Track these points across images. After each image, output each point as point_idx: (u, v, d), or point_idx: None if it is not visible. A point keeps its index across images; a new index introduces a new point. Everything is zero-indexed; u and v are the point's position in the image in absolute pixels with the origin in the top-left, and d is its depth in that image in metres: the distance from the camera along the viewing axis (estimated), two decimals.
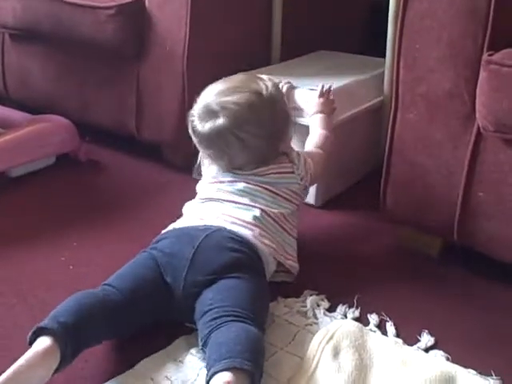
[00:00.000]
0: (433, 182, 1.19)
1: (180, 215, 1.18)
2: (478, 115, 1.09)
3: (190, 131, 1.18)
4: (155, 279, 1.03)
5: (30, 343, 0.89)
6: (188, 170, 1.55)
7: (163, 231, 1.14)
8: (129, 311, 0.98)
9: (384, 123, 1.45)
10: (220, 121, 1.13)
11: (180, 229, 1.12)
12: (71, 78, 1.74)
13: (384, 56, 1.55)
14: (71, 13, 1.61)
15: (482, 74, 1.06)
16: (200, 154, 1.24)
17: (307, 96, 1.39)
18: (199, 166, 1.26)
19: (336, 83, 1.47)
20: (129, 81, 1.62)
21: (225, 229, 1.08)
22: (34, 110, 1.77)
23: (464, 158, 1.14)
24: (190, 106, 1.52)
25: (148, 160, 1.68)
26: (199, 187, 1.23)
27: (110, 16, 1.55)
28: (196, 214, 1.15)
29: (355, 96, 1.51)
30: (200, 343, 0.95)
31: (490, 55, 1.05)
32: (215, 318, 0.94)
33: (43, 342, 0.88)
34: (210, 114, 1.14)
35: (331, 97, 1.38)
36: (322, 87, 1.37)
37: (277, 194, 1.16)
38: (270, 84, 1.18)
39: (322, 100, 1.37)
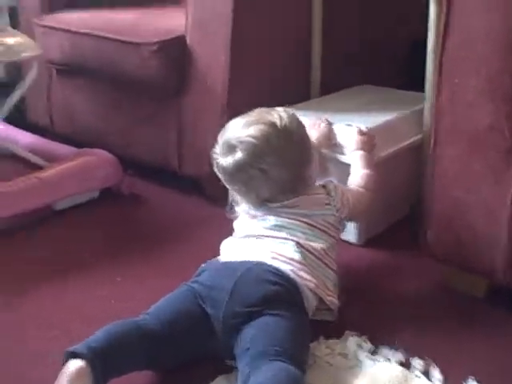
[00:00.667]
0: (475, 219, 1.17)
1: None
2: None
3: (215, 168, 1.20)
4: (194, 312, 1.04)
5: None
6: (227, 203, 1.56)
7: (203, 265, 1.15)
8: (165, 342, 1.00)
9: (424, 159, 1.43)
10: (239, 155, 1.14)
11: (220, 263, 1.14)
12: (115, 112, 1.78)
13: (424, 90, 1.54)
14: (115, 49, 1.65)
15: None
16: (230, 193, 1.25)
17: (345, 132, 1.39)
18: (232, 204, 1.27)
19: (377, 119, 1.47)
20: (170, 116, 1.65)
21: (265, 263, 1.09)
22: (78, 144, 1.80)
23: (507, 193, 1.12)
24: None
25: (189, 194, 1.69)
26: (236, 225, 1.23)
27: (153, 52, 1.58)
28: (235, 250, 1.16)
29: (396, 133, 1.50)
30: (240, 380, 0.94)
31: None
32: (255, 359, 0.94)
33: (75, 364, 0.91)
34: (229, 149, 1.16)
35: (370, 134, 1.38)
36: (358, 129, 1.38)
37: (314, 227, 1.16)
38: (284, 115, 1.19)
39: (361, 137, 1.37)
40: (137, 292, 1.25)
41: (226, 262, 1.13)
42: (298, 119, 1.21)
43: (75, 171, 1.63)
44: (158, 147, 1.70)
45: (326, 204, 1.19)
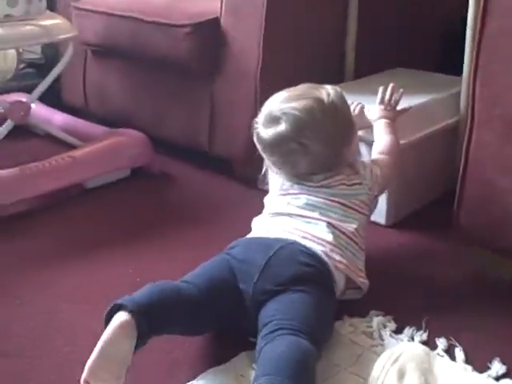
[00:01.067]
0: (507, 202, 1.15)
1: (250, 230, 1.19)
2: None
3: (255, 138, 1.19)
4: (229, 281, 1.05)
5: (107, 321, 0.92)
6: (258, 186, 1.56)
7: (235, 241, 1.15)
8: (204, 308, 1.00)
9: (459, 142, 1.41)
10: (281, 127, 1.14)
11: (253, 238, 1.14)
12: (147, 93, 1.80)
13: (461, 74, 1.51)
14: (149, 30, 1.66)
15: None
16: (265, 164, 1.24)
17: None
18: (264, 175, 1.26)
19: (411, 102, 1.45)
20: (202, 97, 1.65)
21: (298, 243, 1.09)
22: (111, 124, 1.82)
23: None
24: None
25: (220, 174, 1.70)
26: (267, 200, 1.23)
27: (187, 34, 1.59)
28: (265, 227, 1.15)
29: (432, 115, 1.49)
30: (256, 356, 0.95)
31: None
32: (272, 332, 0.94)
33: (120, 317, 0.91)
34: (272, 120, 1.15)
35: (393, 100, 1.37)
36: (383, 92, 1.37)
37: (346, 206, 1.15)
38: (332, 92, 1.17)
39: (383, 106, 1.36)
40: (163, 270, 1.26)
41: (259, 238, 1.13)
42: (344, 98, 1.20)
43: (107, 150, 1.65)
44: (189, 128, 1.71)
45: (358, 184, 1.18)
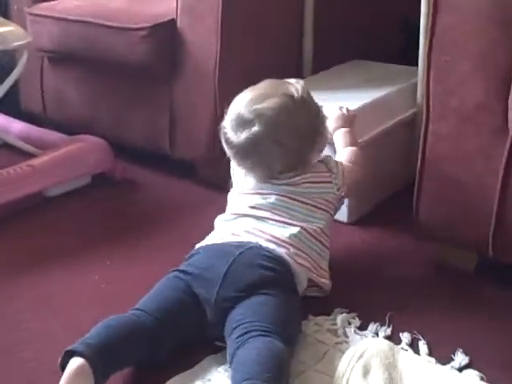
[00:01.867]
0: (466, 196, 1.17)
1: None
2: (510, 127, 1.07)
3: (224, 144, 1.16)
4: (185, 298, 1.03)
5: (62, 369, 0.90)
6: (222, 187, 1.55)
7: (196, 246, 1.14)
8: (159, 332, 0.99)
9: (417, 135, 1.42)
10: (256, 128, 1.11)
11: (214, 244, 1.13)
12: (106, 98, 1.78)
13: (417, 64, 1.53)
14: (105, 35, 1.64)
15: None
16: (232, 167, 1.23)
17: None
18: (231, 178, 1.25)
19: (370, 95, 1.46)
20: (162, 100, 1.64)
21: (260, 246, 1.08)
22: (70, 131, 1.80)
23: (498, 170, 1.12)
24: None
25: (183, 178, 1.69)
26: (230, 198, 1.22)
27: (143, 37, 1.57)
28: (229, 229, 1.15)
29: (389, 108, 1.50)
30: (228, 360, 0.95)
31: None
32: (242, 334, 0.94)
33: (74, 363, 0.89)
34: (244, 123, 1.12)
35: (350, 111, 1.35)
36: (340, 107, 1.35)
37: (313, 206, 1.15)
38: (299, 86, 1.17)
39: (339, 114, 1.34)
40: (127, 276, 1.25)
41: (220, 244, 1.12)
42: (308, 91, 1.19)
43: (66, 158, 1.63)
44: (150, 132, 1.69)
45: (329, 182, 1.18)
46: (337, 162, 1.21)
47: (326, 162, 1.20)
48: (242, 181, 1.20)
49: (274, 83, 1.19)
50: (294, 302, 1.06)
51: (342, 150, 1.30)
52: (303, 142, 1.15)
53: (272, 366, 0.87)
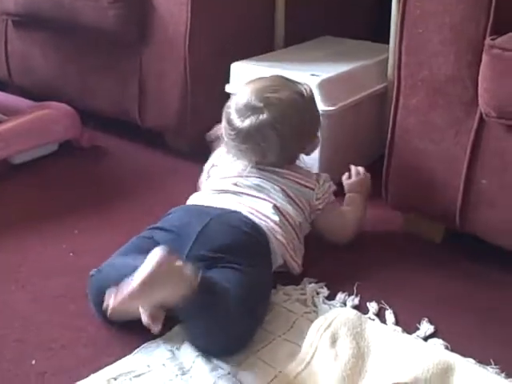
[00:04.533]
0: (435, 169, 1.18)
1: (183, 200, 1.18)
2: (480, 101, 1.08)
3: (225, 123, 1.18)
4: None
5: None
6: (191, 155, 1.54)
7: (172, 209, 1.14)
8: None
9: (388, 109, 1.43)
10: (264, 115, 1.13)
11: (191, 205, 1.13)
12: (73, 64, 1.74)
13: (388, 42, 1.53)
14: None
15: (485, 59, 1.05)
16: (218, 150, 1.24)
17: (309, 81, 1.37)
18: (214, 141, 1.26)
19: (340, 68, 1.46)
20: (131, 67, 1.62)
21: (241, 213, 1.09)
22: (37, 97, 1.76)
23: (466, 144, 1.13)
24: (193, 92, 1.54)
25: (151, 146, 1.67)
26: (209, 181, 1.22)
27: (112, 2, 1.54)
28: (209, 201, 1.14)
29: (359, 81, 1.50)
30: None
31: (492, 39, 1.04)
32: None
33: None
34: (252, 109, 1.14)
35: (367, 175, 1.32)
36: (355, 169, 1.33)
37: (291, 198, 1.16)
38: (308, 88, 1.21)
39: (358, 179, 1.30)
40: (95, 244, 1.24)
41: (198, 205, 1.13)
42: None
43: (32, 125, 1.60)
44: (119, 99, 1.67)
45: (311, 188, 1.19)
46: (326, 180, 1.21)
47: (318, 175, 1.22)
48: (232, 165, 1.21)
49: (285, 79, 1.22)
50: (265, 276, 1.05)
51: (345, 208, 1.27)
52: (299, 140, 1.19)
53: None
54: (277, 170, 1.18)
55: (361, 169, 1.32)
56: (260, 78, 1.22)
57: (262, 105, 1.14)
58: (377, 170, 1.30)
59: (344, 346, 0.94)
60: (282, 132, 1.14)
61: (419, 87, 1.17)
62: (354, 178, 1.31)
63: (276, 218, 1.11)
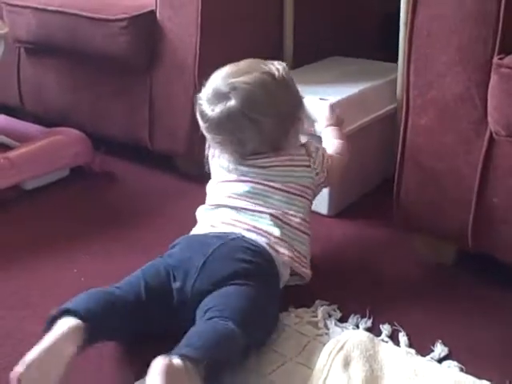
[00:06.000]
0: (445, 188, 1.17)
1: (194, 223, 1.18)
2: (489, 120, 1.07)
3: (198, 116, 1.14)
4: (165, 283, 1.02)
5: (48, 326, 0.90)
6: (201, 179, 1.54)
7: (177, 239, 1.13)
8: (139, 311, 0.99)
9: (397, 130, 1.43)
10: (231, 102, 1.08)
11: (195, 235, 1.12)
12: (85, 90, 1.76)
13: (397, 61, 1.53)
14: (84, 26, 1.62)
15: (493, 78, 1.05)
16: (208, 145, 1.20)
17: (319, 106, 1.38)
18: (207, 158, 1.23)
19: (350, 90, 1.47)
20: (141, 92, 1.63)
21: (242, 237, 1.07)
22: (49, 123, 1.78)
23: (477, 163, 1.12)
24: None
25: (162, 170, 1.68)
26: (209, 188, 1.20)
27: (122, 28, 1.56)
28: (209, 221, 1.14)
29: (369, 103, 1.50)
30: None
31: (500, 58, 1.04)
32: (199, 318, 0.95)
33: (68, 322, 0.89)
34: (219, 96, 1.09)
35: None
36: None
37: (290, 193, 1.13)
38: (280, 67, 1.15)
39: (329, 114, 1.34)
40: (107, 269, 1.24)
41: (200, 235, 1.11)
42: (290, 74, 1.17)
43: (44, 150, 1.61)
44: (129, 124, 1.68)
45: (306, 166, 1.16)
46: (318, 147, 1.19)
47: (306, 146, 1.18)
48: (216, 168, 1.19)
49: (256, 61, 1.16)
50: (271, 295, 1.04)
51: (328, 142, 1.29)
52: (278, 124, 1.12)
53: (211, 341, 0.87)
54: (264, 162, 1.13)
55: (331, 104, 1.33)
56: (232, 64, 1.15)
57: (227, 90, 1.08)
58: (387, 191, 1.29)
59: (357, 369, 0.93)
60: (254, 117, 1.08)
61: (428, 107, 1.17)
62: (328, 114, 1.31)
63: (277, 233, 1.09)
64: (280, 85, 1.12)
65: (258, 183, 1.13)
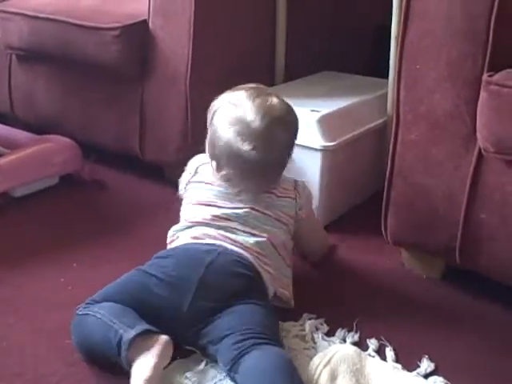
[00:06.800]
0: (434, 203, 1.18)
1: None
2: (478, 136, 1.08)
3: (230, 153, 1.10)
4: (145, 301, 1.02)
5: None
6: None
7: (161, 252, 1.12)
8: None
9: (387, 144, 1.44)
10: (279, 156, 1.13)
11: (184, 249, 1.10)
12: (76, 98, 1.75)
13: (387, 77, 1.54)
14: (76, 34, 1.62)
15: (482, 95, 1.05)
16: (186, 179, 1.22)
17: (310, 117, 1.38)
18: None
19: (340, 103, 1.47)
20: (132, 101, 1.63)
21: (230, 250, 1.07)
22: (39, 130, 1.77)
23: (465, 178, 1.13)
24: (193, 127, 1.55)
25: (151, 180, 1.68)
26: (186, 208, 1.19)
27: (114, 37, 1.56)
28: (190, 234, 1.12)
29: (359, 116, 1.51)
30: (225, 367, 0.95)
31: (489, 76, 1.04)
32: (241, 341, 0.94)
33: (163, 339, 0.95)
34: (269, 143, 1.10)
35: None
36: None
37: (275, 219, 1.15)
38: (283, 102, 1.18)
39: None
40: (94, 278, 1.23)
41: (189, 249, 1.09)
42: None
43: (33, 158, 1.60)
44: (119, 133, 1.68)
45: (292, 198, 1.18)
46: (305, 187, 1.21)
47: (295, 181, 1.20)
48: (202, 191, 1.18)
49: (287, 105, 1.18)
50: (271, 308, 1.05)
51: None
52: (287, 160, 1.17)
53: (288, 377, 0.89)
54: (261, 191, 1.15)
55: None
56: (244, 94, 1.16)
57: (276, 146, 1.12)
58: (375, 204, 1.30)
59: (343, 383, 0.93)
60: (285, 165, 1.17)
61: (418, 122, 1.17)
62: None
63: (259, 247, 1.09)
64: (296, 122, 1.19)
65: (240, 208, 1.13)
